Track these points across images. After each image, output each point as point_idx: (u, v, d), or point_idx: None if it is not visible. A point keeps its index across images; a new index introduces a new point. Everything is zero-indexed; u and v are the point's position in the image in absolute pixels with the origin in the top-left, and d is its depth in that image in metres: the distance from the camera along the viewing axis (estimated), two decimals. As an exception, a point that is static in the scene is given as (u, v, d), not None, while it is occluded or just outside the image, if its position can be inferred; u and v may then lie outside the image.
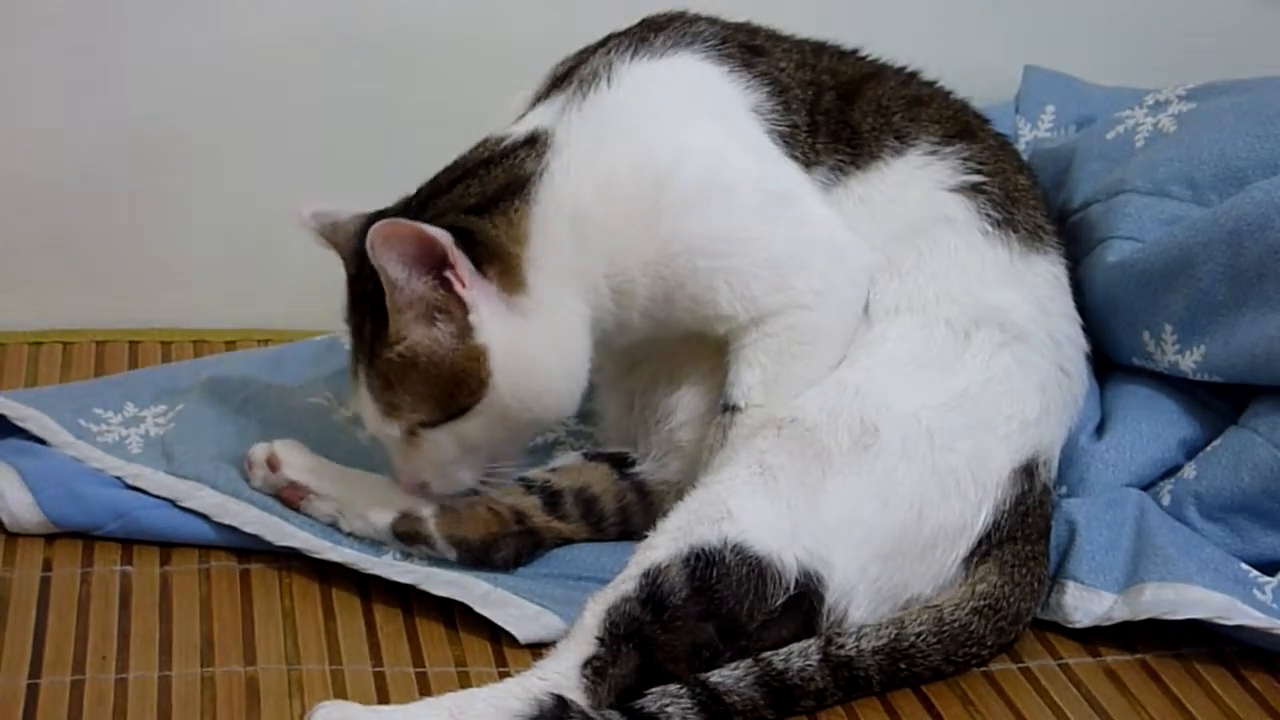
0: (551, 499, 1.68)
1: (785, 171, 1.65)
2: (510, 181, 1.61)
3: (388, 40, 2.03)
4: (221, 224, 2.07)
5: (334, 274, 2.06)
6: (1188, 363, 1.73)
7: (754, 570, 1.51)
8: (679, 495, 1.58)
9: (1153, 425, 1.74)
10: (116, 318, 2.05)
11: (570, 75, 1.67)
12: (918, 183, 1.68)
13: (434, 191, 1.64)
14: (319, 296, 2.07)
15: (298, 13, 2.01)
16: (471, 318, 1.57)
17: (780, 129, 1.67)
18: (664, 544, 1.52)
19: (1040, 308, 1.68)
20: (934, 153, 1.70)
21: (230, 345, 2.05)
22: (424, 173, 2.03)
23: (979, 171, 1.69)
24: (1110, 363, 1.80)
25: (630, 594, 1.49)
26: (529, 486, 1.69)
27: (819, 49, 1.76)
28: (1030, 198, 1.73)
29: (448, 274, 1.56)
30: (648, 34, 1.69)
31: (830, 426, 1.57)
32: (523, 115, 1.67)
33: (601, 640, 1.48)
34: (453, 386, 1.58)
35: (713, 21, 1.72)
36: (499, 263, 1.58)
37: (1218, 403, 1.75)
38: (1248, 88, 1.85)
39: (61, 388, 1.90)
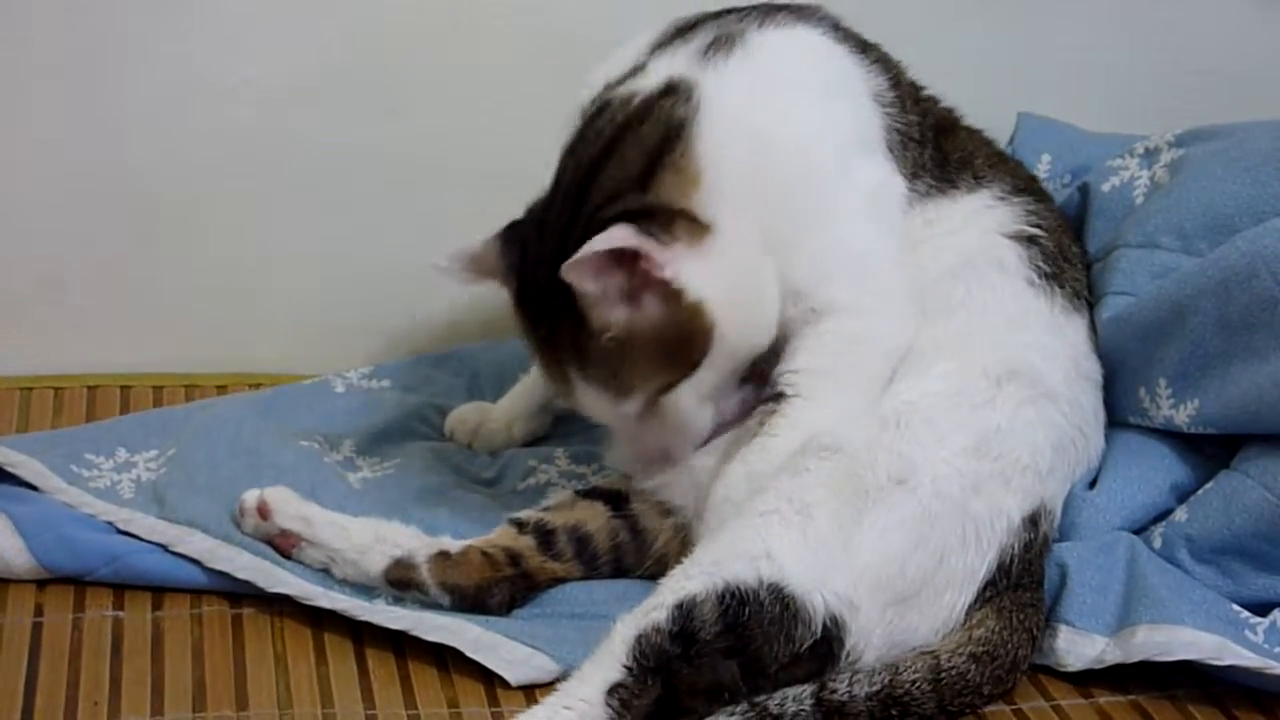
0: (545, 539, 1.68)
1: (896, 183, 1.70)
2: (667, 131, 1.61)
3: (384, 87, 2.03)
4: (213, 269, 2.07)
5: (323, 319, 2.09)
6: (1182, 417, 1.73)
7: (787, 611, 1.50)
8: (675, 531, 1.58)
9: (1143, 470, 1.74)
10: (108, 362, 2.05)
11: (694, 29, 1.69)
12: (980, 221, 1.73)
13: (585, 175, 1.62)
14: (310, 341, 2.09)
15: (294, 62, 2.01)
16: (675, 285, 1.57)
17: (898, 125, 1.71)
18: (699, 575, 1.51)
19: (1075, 366, 1.71)
20: (1003, 199, 1.75)
21: (221, 389, 2.04)
22: (421, 219, 2.05)
23: (1038, 225, 1.74)
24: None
25: (661, 624, 1.48)
26: (521, 527, 1.69)
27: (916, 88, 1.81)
28: (1080, 264, 1.79)
29: (641, 265, 1.56)
30: (770, 10, 1.71)
31: (869, 461, 1.57)
32: (642, 64, 1.68)
33: (630, 669, 1.47)
34: (683, 346, 1.58)
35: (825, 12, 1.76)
36: (681, 219, 1.58)
37: (1208, 447, 1.75)
38: (1234, 132, 1.85)
39: (53, 433, 1.90)
